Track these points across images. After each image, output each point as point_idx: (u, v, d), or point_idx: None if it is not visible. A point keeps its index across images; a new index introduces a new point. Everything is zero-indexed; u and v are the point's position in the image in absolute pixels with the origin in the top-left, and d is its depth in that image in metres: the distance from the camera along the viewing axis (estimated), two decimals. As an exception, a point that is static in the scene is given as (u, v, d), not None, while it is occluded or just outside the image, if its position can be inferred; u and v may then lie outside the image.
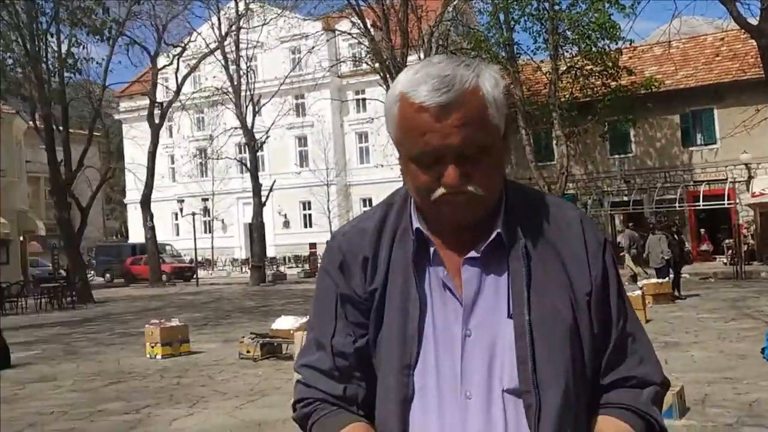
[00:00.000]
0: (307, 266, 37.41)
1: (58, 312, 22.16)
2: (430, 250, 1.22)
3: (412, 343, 1.19)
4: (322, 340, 1.28)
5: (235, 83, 31.43)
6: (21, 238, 32.42)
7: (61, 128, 26.38)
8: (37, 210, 42.28)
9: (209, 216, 42.71)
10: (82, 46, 26.31)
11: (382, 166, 36.21)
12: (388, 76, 24.14)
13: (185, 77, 31.82)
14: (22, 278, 28.41)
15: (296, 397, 1.32)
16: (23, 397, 9.00)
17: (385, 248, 1.25)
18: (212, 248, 41.77)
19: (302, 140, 47.14)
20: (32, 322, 18.98)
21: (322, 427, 1.25)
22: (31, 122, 27.53)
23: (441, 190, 1.13)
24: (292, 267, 40.14)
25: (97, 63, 29.42)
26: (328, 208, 40.61)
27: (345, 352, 1.26)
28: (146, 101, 33.42)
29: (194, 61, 32.50)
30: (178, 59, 31.18)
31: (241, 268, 41.31)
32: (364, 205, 44.63)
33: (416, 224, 1.23)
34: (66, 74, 26.28)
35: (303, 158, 46.60)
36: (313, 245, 38.23)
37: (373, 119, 39.44)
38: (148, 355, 11.65)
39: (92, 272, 38.12)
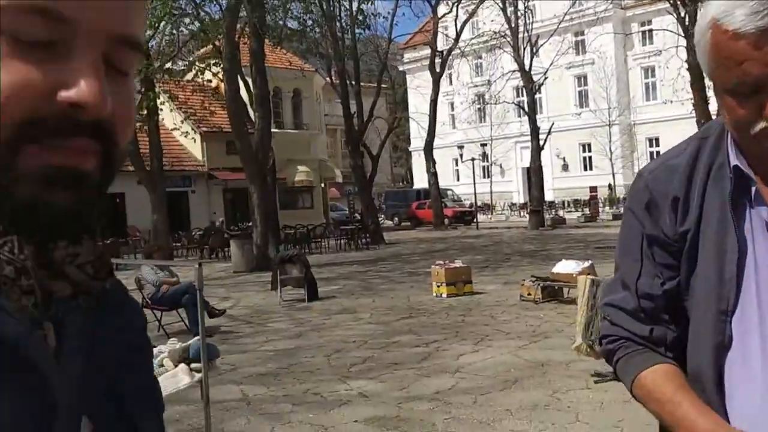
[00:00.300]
0: (587, 210, 36.38)
1: (354, 252, 24.31)
2: (752, 190, 1.12)
3: (729, 288, 1.12)
4: (627, 280, 1.26)
5: (513, 25, 31.14)
6: (322, 185, 35.94)
7: (353, 82, 28.46)
8: (335, 159, 46.48)
9: (488, 161, 43.34)
10: (370, 2, 27.90)
11: (671, 102, 33.52)
12: (679, 2, 22.09)
13: (464, 24, 32.21)
14: (324, 221, 31.58)
15: (602, 333, 1.32)
16: (329, 326, 10.11)
17: (698, 187, 1.17)
18: (491, 193, 42.46)
19: (582, 79, 45.41)
20: (333, 260, 21.07)
21: (626, 364, 1.25)
22: (327, 78, 30.11)
23: (762, 124, 1.03)
24: (571, 211, 39.34)
25: (383, 17, 31.07)
26: (610, 150, 38.83)
27: (651, 294, 1.22)
28: (428, 51, 34.53)
29: (473, 7, 32.75)
30: (457, 6, 31.64)
31: (520, 213, 41.47)
32: (650, 146, 41.92)
33: (734, 161, 1.13)
34: (357, 30, 28.12)
35: (583, 98, 44.96)
36: (593, 189, 36.98)
37: (660, 51, 36.54)
38: (434, 294, 12.33)
39: (382, 216, 41.08)
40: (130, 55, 0.56)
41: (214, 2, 21.41)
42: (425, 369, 7.35)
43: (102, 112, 0.52)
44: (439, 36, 34.21)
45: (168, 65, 23.67)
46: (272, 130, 22.22)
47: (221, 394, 6.62)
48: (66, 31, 0.52)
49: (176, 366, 4.39)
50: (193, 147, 30.72)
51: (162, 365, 4.40)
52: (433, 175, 32.95)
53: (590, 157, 44.58)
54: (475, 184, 35.99)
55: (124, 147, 0.57)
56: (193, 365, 4.40)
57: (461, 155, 40.75)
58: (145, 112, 22.33)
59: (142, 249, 22.02)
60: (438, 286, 12.34)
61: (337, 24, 27.02)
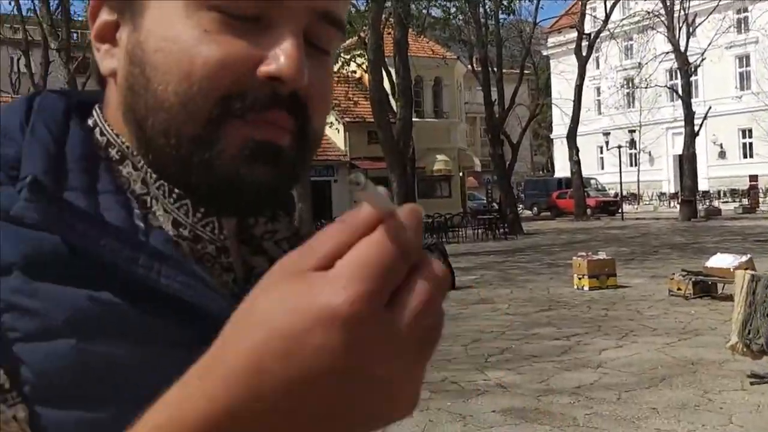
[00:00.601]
0: (745, 201, 33.92)
1: (492, 242, 24.10)
2: None
3: None
4: None
5: (668, 3, 29.48)
6: (460, 174, 35.82)
7: (495, 69, 28.11)
8: (474, 147, 46.17)
9: (635, 148, 41.41)
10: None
11: None
12: None
13: (614, 4, 30.87)
14: (461, 210, 31.51)
15: None
16: (466, 317, 10.10)
17: None
18: (638, 182, 40.58)
19: (743, 60, 42.31)
20: (470, 249, 21.00)
21: None
22: (469, 65, 29.94)
23: None
24: (727, 202, 36.89)
25: (528, 1, 30.36)
26: (774, 136, 35.92)
27: None
28: (573, 34, 33.45)
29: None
30: (606, -15, 30.39)
31: (669, 203, 39.38)
32: (821, 132, 38.41)
33: None
34: (501, 16, 27.70)
35: (744, 80, 41.91)
36: (753, 177, 34.43)
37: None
38: (575, 286, 12.00)
39: (521, 205, 40.39)
40: (331, 32, 0.56)
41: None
42: (565, 362, 7.20)
43: (299, 84, 0.53)
44: (587, 18, 33.00)
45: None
46: (413, 119, 22.45)
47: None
48: (271, 6, 0.53)
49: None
50: (337, 137, 31.57)
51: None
52: (576, 163, 31.96)
53: (750, 144, 41.52)
54: (621, 172, 34.54)
55: (319, 126, 0.57)
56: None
57: (607, 142, 39.21)
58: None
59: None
60: (579, 279, 12.00)
61: (481, 10, 26.75)
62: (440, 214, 26.33)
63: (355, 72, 28.48)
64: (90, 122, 0.60)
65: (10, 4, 24.61)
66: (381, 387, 0.38)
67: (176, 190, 0.57)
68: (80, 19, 25.56)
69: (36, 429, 0.47)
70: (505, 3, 24.00)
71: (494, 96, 27.61)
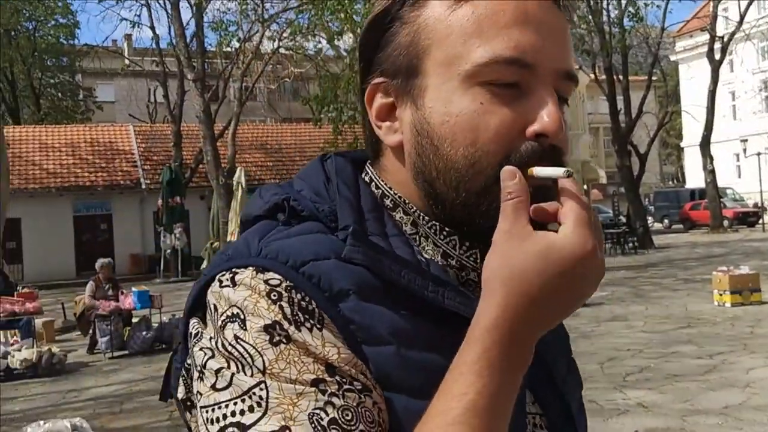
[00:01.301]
0: None
1: (621, 257, 23.23)
2: None
3: None
4: None
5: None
6: (585, 187, 34.90)
7: (621, 77, 27.22)
8: (598, 159, 44.81)
9: (777, 155, 38.72)
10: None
11: None
12: None
13: (749, 4, 29.16)
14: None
15: None
16: (600, 334, 9.81)
17: None
18: (781, 191, 37.94)
19: None
20: (600, 263, 20.32)
21: None
22: (592, 75, 29.16)
23: None
24: None
25: (656, 6, 29.16)
26: None
27: None
28: (705, 37, 31.85)
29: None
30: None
31: (818, 213, 36.47)
32: None
33: None
34: (627, 23, 26.86)
35: None
36: None
37: None
38: (715, 302, 11.39)
39: (651, 218, 38.72)
40: (570, 84, 0.69)
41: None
42: (710, 382, 6.85)
43: (560, 137, 0.66)
44: (719, 20, 31.36)
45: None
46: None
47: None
48: (527, 74, 0.66)
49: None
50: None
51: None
52: (710, 173, 30.30)
53: None
54: (761, 181, 32.43)
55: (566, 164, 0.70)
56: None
57: (744, 150, 36.97)
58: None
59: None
60: (720, 295, 11.37)
61: (605, 17, 26.04)
62: (565, 229, 25.71)
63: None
64: (366, 178, 0.77)
65: (151, 39, 26.35)
66: (598, 275, 0.63)
67: (446, 228, 0.71)
68: (213, 50, 27.06)
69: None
70: (632, 10, 23.16)
71: (620, 105, 26.73)
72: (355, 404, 0.61)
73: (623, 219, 30.73)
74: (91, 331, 10.56)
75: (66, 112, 38.73)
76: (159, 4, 25.29)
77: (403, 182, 0.73)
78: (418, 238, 0.72)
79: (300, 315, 0.63)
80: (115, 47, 39.41)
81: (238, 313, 0.64)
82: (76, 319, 11.50)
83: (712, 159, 30.36)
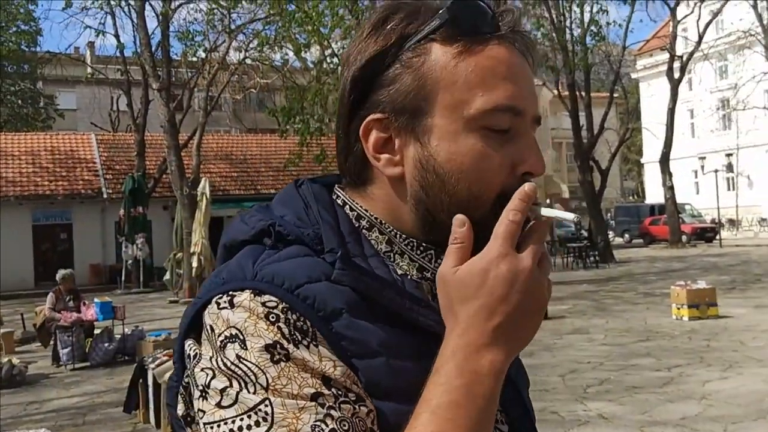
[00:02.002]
0: None
1: (583, 270, 23.58)
2: None
3: None
4: None
5: (765, 22, 28.42)
6: (547, 201, 35.35)
7: (583, 94, 27.71)
8: (561, 173, 45.45)
9: (733, 172, 39.82)
10: (605, 12, 26.92)
11: None
12: None
13: (708, 24, 29.95)
14: (549, 238, 31.02)
15: None
16: (561, 347, 9.97)
17: None
18: (736, 207, 38.92)
19: None
20: (561, 278, 20.61)
21: None
22: (555, 91, 29.64)
23: None
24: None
25: (618, 25, 29.73)
26: None
27: None
28: (665, 56, 32.62)
29: (718, 6, 30.36)
30: (700, 6, 29.52)
31: (772, 229, 37.49)
32: None
33: None
34: (589, 41, 27.38)
35: None
36: None
37: None
38: (674, 316, 11.65)
39: (611, 232, 39.36)
40: (536, 127, 0.81)
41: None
42: (668, 394, 7.03)
43: (541, 174, 0.78)
44: (678, 39, 32.20)
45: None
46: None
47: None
48: (518, 121, 0.77)
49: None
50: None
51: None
52: (669, 189, 30.99)
53: None
54: (718, 197, 33.26)
55: None
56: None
57: (702, 167, 37.86)
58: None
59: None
60: (678, 308, 11.64)
61: (568, 35, 26.51)
62: (528, 242, 25.98)
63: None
64: (339, 201, 0.84)
65: (116, 47, 26.06)
66: (535, 281, 0.70)
67: (423, 244, 0.80)
68: (179, 59, 26.85)
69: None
70: (594, 29, 23.63)
71: (582, 121, 27.20)
72: (350, 415, 0.68)
73: (585, 233, 31.22)
74: (52, 342, 10.38)
75: (26, 119, 38.04)
76: (124, 12, 25.07)
77: (393, 209, 0.80)
78: (392, 255, 0.80)
79: (297, 334, 0.69)
80: (78, 55, 38.85)
81: (237, 333, 0.69)
82: (36, 330, 11.29)
83: (671, 175, 31.04)
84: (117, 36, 26.64)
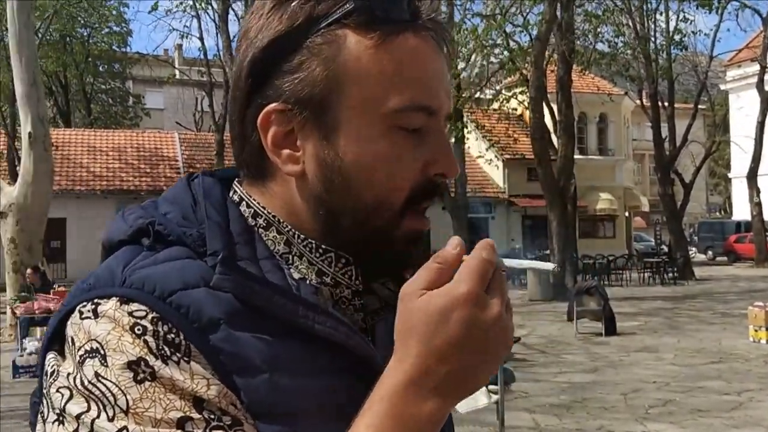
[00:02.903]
0: None
1: (659, 286, 22.80)
2: None
3: None
4: None
5: None
6: (626, 214, 34.37)
7: (666, 104, 26.86)
8: (643, 186, 44.10)
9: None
10: (689, 21, 26.12)
11: None
12: None
13: (801, 36, 28.55)
14: (626, 252, 30.16)
15: None
16: (627, 364, 9.65)
17: None
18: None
19: None
20: (635, 294, 20.01)
21: None
22: (638, 101, 28.83)
23: None
24: None
25: (704, 34, 28.71)
26: None
27: None
28: (755, 67, 31.28)
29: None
30: (792, 17, 28.19)
31: None
32: None
33: None
34: (673, 50, 26.56)
35: None
36: None
37: None
38: (750, 339, 11.11)
39: (694, 249, 37.89)
40: (447, 124, 0.75)
41: (524, 32, 21.87)
42: (735, 419, 6.70)
43: (455, 176, 0.72)
44: (770, 51, 30.73)
45: (477, 95, 24.64)
46: (575, 156, 21.90)
47: (513, 420, 6.70)
48: (431, 120, 0.71)
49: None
50: (495, 174, 31.48)
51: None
52: (756, 205, 29.63)
53: None
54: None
55: None
56: (490, 387, 4.55)
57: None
58: (453, 140, 23.50)
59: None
60: (756, 330, 11.09)
61: (651, 44, 25.77)
62: (603, 256, 25.36)
63: (515, 109, 28.37)
64: (235, 197, 0.76)
65: (199, 50, 26.90)
66: (501, 330, 0.61)
67: (323, 246, 0.73)
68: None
69: None
70: (676, 38, 22.87)
71: (665, 133, 26.33)
72: None
73: (665, 248, 30.18)
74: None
75: (115, 117, 39.69)
76: (208, 16, 25.84)
77: (292, 208, 0.73)
78: (291, 257, 0.72)
79: (166, 349, 0.62)
80: (166, 56, 40.24)
81: (97, 348, 0.62)
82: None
83: (759, 191, 29.68)
84: (201, 39, 27.52)
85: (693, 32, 24.57)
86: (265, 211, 0.74)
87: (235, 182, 0.77)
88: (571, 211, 20.40)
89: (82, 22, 34.35)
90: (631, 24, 24.73)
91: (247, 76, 0.71)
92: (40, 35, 27.52)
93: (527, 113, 22.05)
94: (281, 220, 0.73)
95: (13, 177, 18.69)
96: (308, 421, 0.64)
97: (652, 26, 25.89)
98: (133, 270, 0.66)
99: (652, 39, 25.91)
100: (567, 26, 19.95)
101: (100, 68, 37.31)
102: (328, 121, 0.70)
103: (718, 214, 57.97)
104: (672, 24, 25.30)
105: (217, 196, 0.74)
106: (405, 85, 0.69)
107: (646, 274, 24.72)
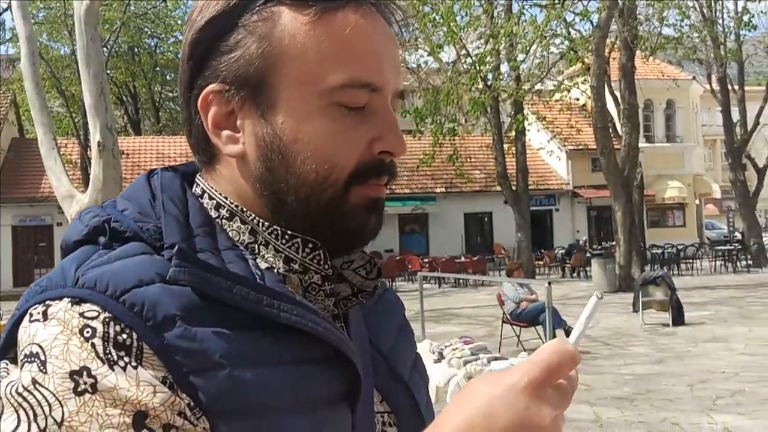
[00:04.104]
0: None
1: (732, 275, 22.06)
2: None
3: None
4: None
5: None
6: (697, 202, 33.35)
7: (736, 87, 25.96)
8: (714, 172, 42.68)
9: None
10: (758, 0, 25.14)
11: None
12: None
13: None
14: (697, 240, 29.28)
15: None
16: (695, 354, 9.43)
17: None
18: None
19: None
20: (705, 283, 19.43)
21: None
22: (706, 85, 27.94)
23: None
24: None
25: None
26: None
27: None
28: (830, 46, 29.88)
29: None
30: None
31: None
32: None
33: None
34: (742, 31, 25.64)
35: None
36: None
37: None
38: (829, 327, 10.68)
39: (769, 235, 36.52)
40: (400, 101, 0.74)
41: (585, 20, 21.50)
42: (807, 411, 6.47)
43: (401, 154, 0.71)
44: None
45: (537, 86, 24.35)
46: (641, 144, 21.41)
47: (574, 413, 6.65)
48: (375, 97, 0.70)
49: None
50: (558, 165, 31.01)
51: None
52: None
53: None
54: None
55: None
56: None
57: None
58: (513, 134, 23.30)
59: (505, 266, 22.94)
60: (834, 319, 10.65)
61: (719, 26, 24.93)
62: (672, 245, 24.71)
63: (578, 99, 27.88)
64: (198, 190, 0.75)
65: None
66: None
67: (288, 232, 0.71)
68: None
69: None
70: (744, 19, 22.04)
71: (736, 117, 25.45)
72: None
73: (738, 236, 29.17)
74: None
75: (182, 124, 40.75)
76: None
77: (240, 190, 0.72)
78: (257, 247, 0.71)
79: (113, 353, 0.59)
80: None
81: (38, 352, 0.59)
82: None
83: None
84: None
85: (762, 12, 23.57)
86: (227, 201, 0.72)
87: (198, 175, 0.76)
88: (637, 201, 19.99)
89: (149, 33, 35.49)
90: (696, 6, 23.99)
91: (188, 58, 0.71)
92: (108, 47, 28.63)
93: (590, 103, 21.64)
94: (244, 209, 0.72)
95: (86, 185, 19.52)
96: (276, 415, 0.62)
97: (719, 7, 25.01)
98: (87, 269, 0.64)
99: (719, 21, 25.05)
100: (629, 11, 19.50)
101: (167, 77, 38.44)
102: (266, 99, 0.69)
103: (796, 199, 55.48)
104: (740, 4, 24.39)
105: (176, 189, 0.72)
106: (344, 61, 0.67)
107: (717, 263, 23.98)
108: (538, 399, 0.57)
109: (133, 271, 0.63)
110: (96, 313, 0.60)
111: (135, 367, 0.59)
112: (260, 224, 0.72)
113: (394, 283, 20.75)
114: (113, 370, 0.59)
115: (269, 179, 0.70)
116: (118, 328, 0.60)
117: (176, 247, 0.65)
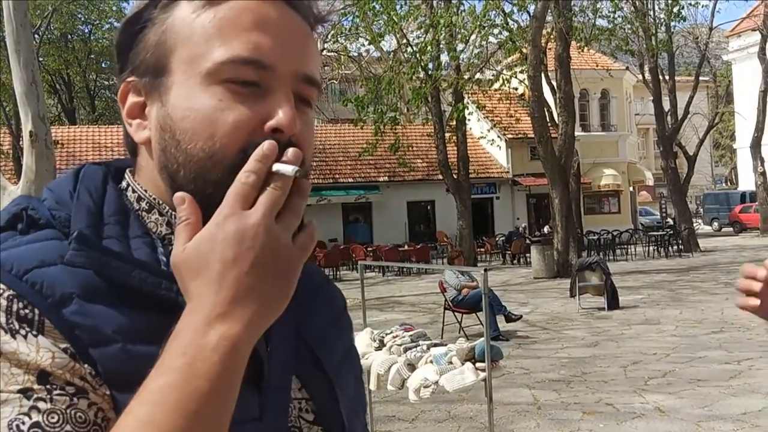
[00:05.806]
0: None
1: (663, 260, 22.86)
2: None
3: None
4: None
5: None
6: (631, 189, 34.35)
7: (667, 78, 26.76)
8: (648, 161, 43.98)
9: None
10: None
11: None
12: None
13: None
14: (632, 226, 30.19)
15: None
16: (628, 337, 9.78)
17: None
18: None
19: None
20: (639, 268, 20.09)
21: None
22: (639, 76, 28.73)
23: None
24: None
25: (702, 6, 28.54)
26: None
27: None
28: (757, 37, 31.10)
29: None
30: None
31: None
32: None
33: None
34: (672, 23, 26.42)
35: None
36: None
37: None
38: (753, 308, 11.19)
39: (699, 221, 37.88)
40: (311, 89, 0.74)
41: (522, 10, 21.81)
42: (732, 388, 6.81)
43: (293, 132, 0.70)
44: (772, 19, 30.51)
45: (477, 76, 24.61)
46: (577, 133, 21.90)
47: (513, 396, 6.84)
48: (268, 75, 0.71)
49: (463, 364, 4.71)
50: (499, 154, 31.47)
51: (450, 362, 4.74)
52: (761, 175, 29.64)
53: None
54: (816, 184, 31.30)
55: (308, 159, 0.72)
56: (478, 364, 4.68)
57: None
58: (454, 123, 23.52)
59: (447, 254, 23.20)
60: (758, 300, 11.16)
61: (650, 18, 25.64)
62: (608, 231, 25.42)
63: (516, 89, 28.31)
64: (124, 183, 0.79)
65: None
66: (269, 239, 0.63)
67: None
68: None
69: (114, 408, 0.66)
70: (675, 11, 22.74)
71: (667, 107, 26.28)
72: (64, 407, 0.63)
73: (671, 222, 30.16)
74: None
75: (119, 113, 39.77)
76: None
77: (154, 180, 0.76)
78: (173, 238, 0.71)
79: (16, 323, 0.64)
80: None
81: None
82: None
83: (763, 161, 29.64)
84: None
85: (692, 4, 24.37)
86: (147, 194, 0.77)
87: (127, 170, 0.81)
88: (574, 188, 20.47)
89: (82, 19, 34.39)
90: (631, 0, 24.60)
91: (117, 59, 0.77)
92: (40, 34, 27.66)
93: (528, 92, 22.02)
94: (161, 202, 0.76)
95: (18, 176, 18.86)
96: None
97: (648, 1, 25.73)
98: None
99: (651, 13, 25.76)
100: (564, 3, 19.89)
101: (103, 65, 37.39)
102: (164, 84, 0.73)
103: (724, 185, 57.74)
104: (670, -4, 25.12)
105: (95, 181, 0.77)
106: (229, 39, 0.70)
107: (650, 248, 24.79)
108: (237, 214, 0.63)
109: (36, 253, 0.69)
110: (1, 291, 0.65)
111: (35, 336, 0.65)
112: (174, 216, 0.73)
113: (338, 272, 20.78)
114: (15, 338, 0.64)
115: (165, 161, 0.73)
116: (21, 304, 0.66)
117: (75, 233, 0.70)
